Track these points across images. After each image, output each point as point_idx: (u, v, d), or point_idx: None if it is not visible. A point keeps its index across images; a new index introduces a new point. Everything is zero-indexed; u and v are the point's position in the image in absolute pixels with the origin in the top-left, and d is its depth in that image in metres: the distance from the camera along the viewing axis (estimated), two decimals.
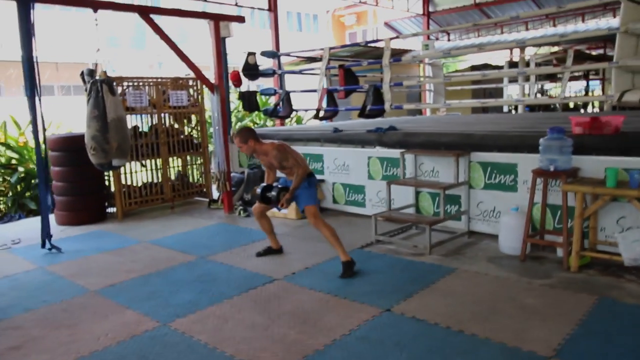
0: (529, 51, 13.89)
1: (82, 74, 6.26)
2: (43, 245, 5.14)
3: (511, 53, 13.70)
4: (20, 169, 7.76)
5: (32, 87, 4.90)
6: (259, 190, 4.43)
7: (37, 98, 4.95)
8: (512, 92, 14.47)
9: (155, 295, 3.87)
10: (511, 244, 4.51)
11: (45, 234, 5.12)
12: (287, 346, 3.00)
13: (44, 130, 5.13)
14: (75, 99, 15.94)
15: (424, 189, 5.38)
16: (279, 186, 4.39)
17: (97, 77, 5.40)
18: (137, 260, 4.77)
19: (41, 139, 5.07)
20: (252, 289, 3.93)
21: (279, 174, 4.61)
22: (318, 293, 3.80)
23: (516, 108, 12.65)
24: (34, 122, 4.97)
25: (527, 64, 11.13)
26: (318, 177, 6.47)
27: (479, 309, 3.41)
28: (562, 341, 2.91)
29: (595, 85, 19.06)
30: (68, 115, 10.24)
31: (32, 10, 4.95)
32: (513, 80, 12.03)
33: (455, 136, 5.28)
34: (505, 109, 12.84)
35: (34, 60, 4.93)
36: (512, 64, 12.60)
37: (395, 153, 5.66)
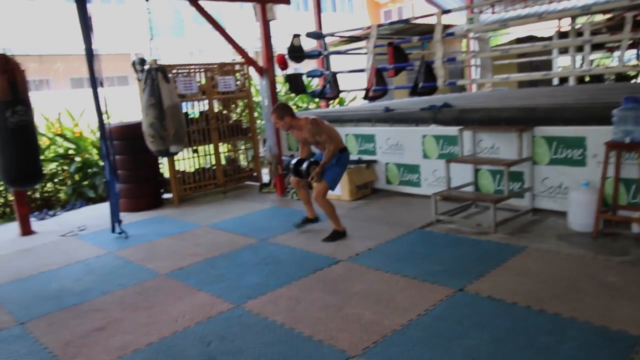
0: (578, 20, 13.21)
1: (133, 63, 6.35)
2: (113, 230, 5.32)
3: (559, 23, 13.06)
4: (77, 158, 8.00)
5: (95, 78, 4.99)
6: (292, 164, 4.76)
7: (99, 89, 5.04)
8: (561, 63, 13.85)
9: (224, 278, 3.93)
10: (582, 221, 4.34)
11: (115, 219, 5.28)
12: (363, 327, 2.99)
13: (107, 119, 5.24)
14: (120, 90, 16.34)
15: (484, 166, 5.23)
16: (311, 160, 4.65)
17: (150, 66, 5.46)
18: (200, 244, 4.86)
19: (104, 128, 5.19)
20: (318, 270, 3.93)
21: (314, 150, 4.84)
22: (385, 274, 3.77)
23: (565, 80, 12.13)
24: (98, 112, 5.09)
25: (579, 34, 10.61)
26: (370, 157, 6.44)
27: (558, 287, 3.30)
28: None
29: None
30: (115, 105, 10.48)
31: (87, 3, 5.02)
32: (562, 51, 11.49)
33: (516, 111, 5.09)
34: (555, 81, 12.31)
35: (94, 52, 5.00)
36: (562, 35, 12.03)
37: (451, 130, 5.52)
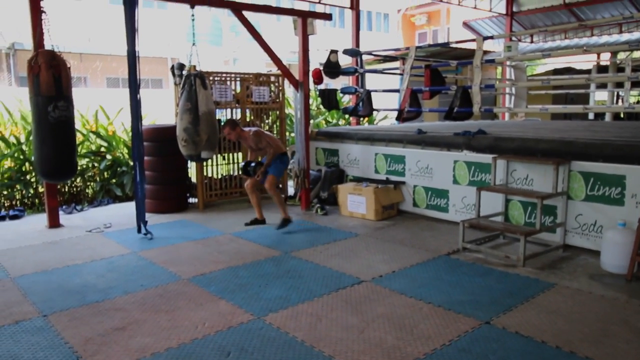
0: (619, 56, 13.01)
1: (172, 68, 6.49)
2: (139, 231, 5.36)
3: (598, 57, 12.89)
4: (108, 156, 8.15)
5: (134, 80, 5.08)
6: (241, 165, 5.91)
7: (137, 90, 5.13)
8: (598, 98, 13.63)
9: (246, 288, 3.91)
10: (616, 262, 4.19)
11: (141, 219, 5.33)
12: (385, 351, 2.92)
13: (141, 121, 5.32)
14: (154, 92, 16.67)
15: (516, 197, 5.12)
16: (257, 161, 5.76)
17: (189, 71, 5.54)
18: (223, 252, 4.86)
19: (138, 129, 5.26)
20: (341, 289, 3.88)
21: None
22: (410, 299, 3.70)
23: (600, 116, 11.92)
24: (134, 112, 5.17)
25: (619, 69, 10.43)
26: (399, 179, 6.39)
27: (589, 330, 3.18)
28: None
29: None
30: (148, 107, 10.66)
31: (137, 7, 5.13)
32: (599, 85, 11.31)
33: (554, 143, 4.99)
34: (591, 116, 12.09)
35: (137, 54, 5.10)
36: (600, 69, 11.85)
37: (484, 158, 5.44)
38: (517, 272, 4.24)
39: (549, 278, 4.10)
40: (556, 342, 3.02)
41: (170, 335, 3.14)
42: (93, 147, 8.32)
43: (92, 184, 8.14)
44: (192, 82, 5.47)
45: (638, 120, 13.48)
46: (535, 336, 3.09)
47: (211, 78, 6.80)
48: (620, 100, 10.25)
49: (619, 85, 9.95)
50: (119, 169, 8.06)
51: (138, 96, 5.23)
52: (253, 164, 5.70)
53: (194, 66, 5.73)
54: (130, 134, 5.48)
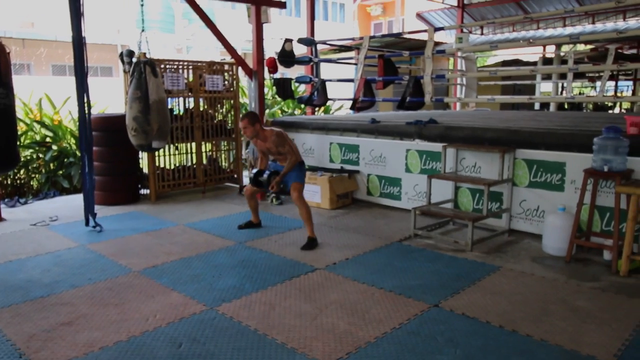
0: (564, 49, 13.58)
1: (121, 54, 6.28)
2: (87, 223, 5.19)
3: (544, 50, 13.40)
4: (54, 147, 7.82)
5: (81, 67, 4.89)
6: (251, 175, 4.94)
7: (84, 77, 4.94)
8: (543, 89, 14.21)
9: (199, 279, 3.87)
10: (556, 245, 4.42)
11: (90, 212, 5.16)
12: (338, 337, 2.97)
13: (90, 110, 5.13)
14: (103, 80, 16.06)
15: (464, 184, 5.29)
16: (271, 170, 4.83)
17: (139, 59, 5.38)
18: (176, 243, 4.78)
19: (85, 118, 5.08)
20: (295, 277, 3.91)
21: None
22: (362, 285, 3.77)
23: (545, 106, 12.44)
24: (80, 101, 4.98)
25: (563, 62, 10.89)
26: (353, 167, 6.46)
27: (530, 309, 3.34)
28: (622, 347, 2.84)
29: (624, 87, 18.65)
30: (98, 96, 10.28)
31: None
32: (545, 77, 11.80)
33: (500, 132, 5.18)
34: (537, 106, 12.60)
35: (83, 40, 4.90)
36: (546, 61, 12.34)
37: (434, 146, 5.58)
38: (465, 257, 4.40)
39: (494, 261, 4.27)
40: (499, 321, 3.16)
41: (120, 329, 3.07)
42: (37, 138, 7.98)
43: (37, 176, 7.82)
44: (142, 70, 5.32)
45: (580, 110, 14.18)
46: (480, 317, 3.22)
47: (162, 66, 6.62)
48: (564, 91, 10.72)
49: (563, 76, 10.41)
50: (65, 160, 7.76)
51: (85, 84, 5.03)
52: (266, 174, 4.80)
53: (144, 53, 5.57)
54: (77, 123, 5.26)
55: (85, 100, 5.05)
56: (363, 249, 4.58)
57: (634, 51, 14.68)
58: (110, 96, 10.20)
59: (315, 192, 6.20)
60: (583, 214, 4.41)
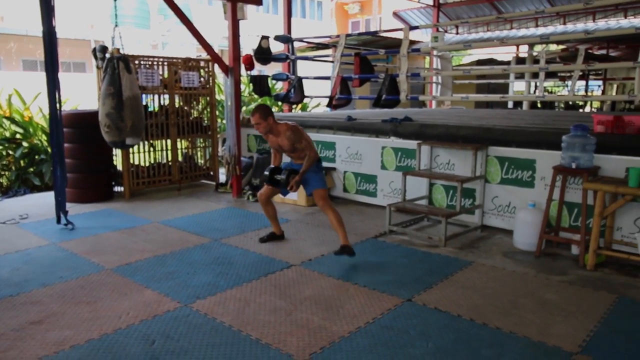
0: (535, 48, 13.87)
1: (94, 50, 6.17)
2: (58, 221, 5.10)
3: (517, 49, 13.67)
4: (25, 144, 7.64)
5: (52, 62, 4.79)
6: (266, 172, 4.38)
7: (55, 73, 4.84)
8: (516, 88, 14.48)
9: (173, 276, 3.85)
10: (526, 240, 4.53)
11: (61, 209, 5.06)
12: (312, 332, 3.00)
13: (61, 106, 5.03)
14: (76, 76, 15.73)
15: (439, 181, 5.37)
16: (289, 168, 4.33)
17: (112, 54, 5.31)
18: (150, 240, 4.73)
19: (56, 114, 4.98)
20: (270, 274, 3.91)
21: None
22: (337, 280, 3.80)
23: (519, 104, 12.69)
24: (51, 97, 4.88)
25: (535, 61, 11.12)
26: (329, 165, 6.48)
27: (500, 302, 3.42)
28: (587, 338, 2.94)
29: (594, 86, 19.16)
30: (70, 92, 10.07)
31: None
32: (518, 76, 12.02)
33: (474, 129, 5.27)
34: (510, 105, 12.85)
35: (54, 35, 4.80)
36: (520, 60, 12.58)
37: (409, 144, 5.64)
38: (439, 252, 4.47)
39: (467, 257, 4.35)
40: (470, 315, 3.23)
41: (92, 327, 3.04)
42: (7, 134, 7.77)
43: (6, 173, 7.62)
44: (115, 66, 5.25)
45: (552, 109, 14.51)
46: (452, 310, 3.28)
47: (137, 62, 6.53)
48: (536, 90, 10.95)
49: (535, 75, 10.62)
50: (36, 157, 7.59)
51: (56, 80, 4.93)
52: (285, 172, 4.29)
53: (117, 49, 5.49)
54: (48, 119, 5.15)
55: (57, 96, 4.95)
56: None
57: (604, 52, 15.09)
58: (84, 92, 10.00)
59: None
60: (552, 210, 4.53)
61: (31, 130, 7.74)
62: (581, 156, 4.15)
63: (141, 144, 6.70)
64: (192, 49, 17.68)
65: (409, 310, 3.31)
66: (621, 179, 4.11)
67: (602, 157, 4.33)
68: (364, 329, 3.04)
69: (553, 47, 16.18)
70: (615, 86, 17.00)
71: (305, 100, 9.31)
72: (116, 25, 5.42)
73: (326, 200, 4.27)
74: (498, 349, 2.81)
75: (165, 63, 6.90)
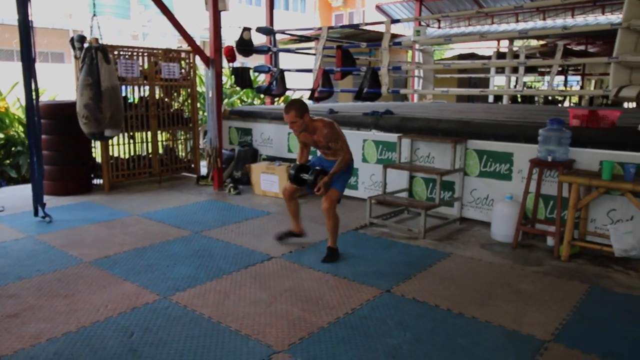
0: (515, 44, 14.04)
1: (72, 40, 6.07)
2: (36, 214, 5.03)
3: (498, 44, 13.83)
4: (1, 135, 7.50)
5: (28, 52, 4.69)
6: (292, 171, 4.08)
7: (31, 63, 4.75)
8: (497, 82, 14.66)
9: (153, 269, 3.83)
10: (503, 232, 4.61)
11: (39, 202, 4.99)
12: (291, 323, 3.02)
13: (38, 96, 4.94)
14: (54, 66, 15.43)
15: (419, 173, 5.43)
16: (317, 168, 4.02)
17: (90, 44, 5.23)
18: (129, 233, 4.70)
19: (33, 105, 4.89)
20: (250, 266, 3.92)
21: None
22: (317, 272, 3.83)
23: (499, 98, 12.85)
24: (28, 87, 4.79)
25: (515, 56, 11.26)
26: (311, 157, 6.48)
27: (477, 293, 3.49)
28: (559, 326, 3.01)
29: (573, 81, 19.50)
30: (48, 82, 9.89)
31: None
32: (499, 71, 12.16)
33: (453, 123, 5.33)
34: (491, 99, 13.01)
35: (30, 24, 4.70)
36: (500, 55, 12.73)
37: (390, 137, 5.68)
38: (418, 244, 4.53)
39: (445, 248, 4.42)
40: (448, 305, 3.28)
41: (69, 320, 3.01)
42: None
43: None
44: (93, 56, 5.17)
45: (532, 103, 14.72)
46: (429, 301, 3.34)
47: (116, 52, 6.44)
48: (517, 85, 11.10)
49: (516, 70, 10.76)
50: (13, 148, 7.46)
51: (33, 70, 4.83)
52: (312, 172, 3.97)
53: (96, 39, 5.41)
54: (25, 110, 5.06)
55: (33, 86, 4.86)
56: (319, 238, 4.62)
57: (583, 47, 15.34)
58: (62, 83, 9.83)
59: (274, 182, 6.21)
60: (529, 202, 4.62)
61: (7, 121, 7.60)
62: (557, 149, 4.23)
63: (121, 135, 6.61)
64: (173, 40, 17.48)
65: (388, 301, 3.35)
66: (595, 172, 4.20)
67: (577, 151, 4.42)
68: (343, 320, 3.07)
69: (534, 43, 16.38)
70: (593, 81, 17.32)
71: (288, 92, 9.30)
72: (94, 15, 5.34)
73: (333, 204, 4.00)
74: (473, 338, 2.87)
75: (146, 54, 6.81)
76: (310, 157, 4.41)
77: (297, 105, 3.86)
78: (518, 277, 3.79)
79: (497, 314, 3.17)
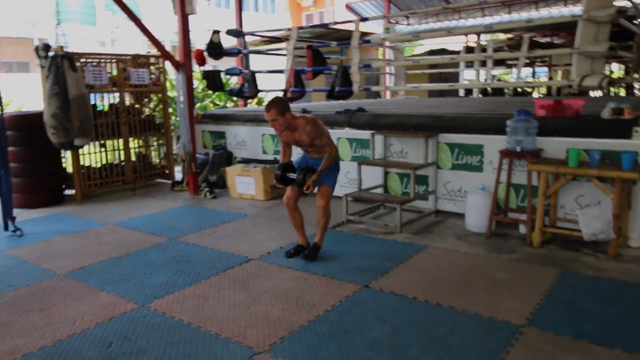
0: (483, 38, 14.28)
1: (36, 48, 5.95)
2: (6, 228, 4.91)
3: (467, 39, 14.03)
4: None
5: None
6: (278, 172, 3.96)
7: None
8: (467, 76, 14.89)
9: (129, 277, 3.79)
10: (477, 222, 4.70)
11: (8, 215, 4.87)
12: (272, 323, 3.03)
13: (2, 107, 4.83)
14: (19, 76, 15.06)
15: (393, 169, 5.49)
16: (302, 166, 3.93)
17: (56, 52, 5.14)
18: (104, 243, 4.63)
19: None
20: (229, 269, 3.91)
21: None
22: (296, 272, 3.84)
23: (470, 92, 13.06)
24: None
25: (483, 50, 11.46)
26: None
27: (453, 283, 3.55)
28: (533, 310, 3.09)
29: (541, 73, 19.93)
30: (13, 93, 9.66)
31: None
32: (469, 65, 12.36)
33: (424, 118, 5.41)
34: (461, 93, 13.21)
35: None
36: (469, 49, 12.92)
37: (364, 134, 5.73)
38: (395, 239, 4.58)
39: (422, 241, 4.48)
40: (425, 296, 3.34)
41: (45, 334, 2.96)
42: None
43: None
44: (59, 64, 5.10)
45: (502, 95, 15.00)
46: (407, 293, 3.39)
47: (83, 60, 6.33)
48: (485, 79, 11.30)
49: (484, 64, 10.95)
50: None
51: None
52: (301, 171, 3.85)
53: (61, 47, 5.33)
54: None
55: None
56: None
57: (549, 39, 15.68)
58: (28, 93, 9.60)
59: (249, 184, 6.20)
60: (500, 192, 4.72)
61: None
62: (525, 140, 4.34)
63: (91, 144, 6.51)
64: (142, 46, 17.23)
65: (367, 296, 3.38)
66: (562, 159, 4.32)
67: (544, 140, 4.53)
68: (323, 317, 3.09)
69: (502, 37, 16.69)
70: (560, 72, 17.74)
71: (260, 94, 9.28)
72: (59, 23, 5.25)
73: (328, 201, 3.93)
74: (451, 327, 2.93)
75: (114, 60, 6.72)
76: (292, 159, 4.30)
77: (277, 104, 3.77)
78: (493, 265, 3.88)
79: (474, 302, 3.23)
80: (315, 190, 3.96)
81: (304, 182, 3.84)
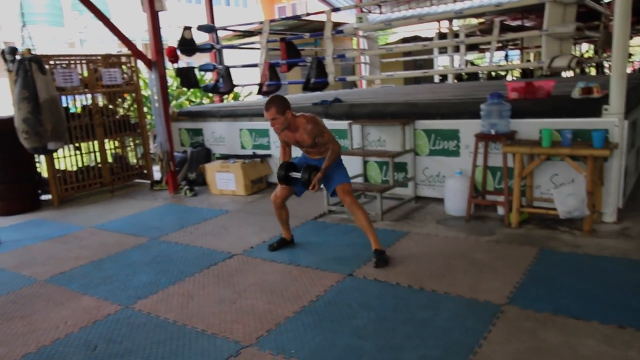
0: (455, 23, 14.37)
1: (2, 52, 5.81)
2: None
3: (439, 25, 14.11)
4: None
5: None
6: (282, 171, 3.82)
7: None
8: (441, 63, 14.98)
9: (112, 280, 3.76)
10: (456, 206, 4.77)
11: None
12: (257, 317, 3.04)
13: None
14: None
15: (371, 158, 5.52)
16: (306, 165, 3.80)
17: (23, 56, 5.02)
18: (84, 247, 4.58)
19: None
20: (212, 266, 3.91)
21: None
22: (279, 265, 3.86)
23: (445, 78, 13.17)
24: None
25: (455, 35, 11.55)
26: (265, 152, 6.48)
27: (435, 267, 3.61)
28: (513, 289, 3.17)
29: (514, 56, 20.18)
30: None
31: None
32: (442, 51, 12.45)
33: (400, 105, 5.44)
34: (436, 79, 13.31)
35: None
36: (442, 36, 13.00)
37: (341, 124, 5.74)
38: (377, 226, 4.57)
39: (403, 227, 4.54)
40: (408, 281, 3.39)
41: (28, 341, 2.92)
42: None
43: None
44: (27, 68, 4.99)
45: (477, 80, 15.15)
46: (390, 280, 3.43)
47: (52, 62, 6.20)
48: (459, 64, 11.40)
49: (457, 49, 11.04)
50: None
51: None
52: (305, 171, 3.73)
53: (28, 49, 5.21)
54: None
55: None
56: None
57: (519, 22, 15.86)
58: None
59: (230, 180, 6.18)
60: (478, 176, 4.80)
61: None
62: (499, 122, 4.41)
63: (66, 147, 6.40)
64: (113, 45, 16.91)
65: (351, 284, 3.42)
66: (536, 140, 4.41)
67: (518, 122, 4.61)
68: (308, 308, 3.12)
69: (474, 22, 16.83)
70: (532, 54, 17.98)
71: (236, 89, 9.21)
72: (24, 25, 5.13)
73: (353, 196, 3.80)
74: (434, 310, 2.98)
75: (84, 61, 6.60)
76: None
77: (277, 102, 3.58)
78: (473, 247, 3.95)
79: (455, 284, 3.29)
80: (322, 186, 3.86)
81: (309, 181, 3.72)
